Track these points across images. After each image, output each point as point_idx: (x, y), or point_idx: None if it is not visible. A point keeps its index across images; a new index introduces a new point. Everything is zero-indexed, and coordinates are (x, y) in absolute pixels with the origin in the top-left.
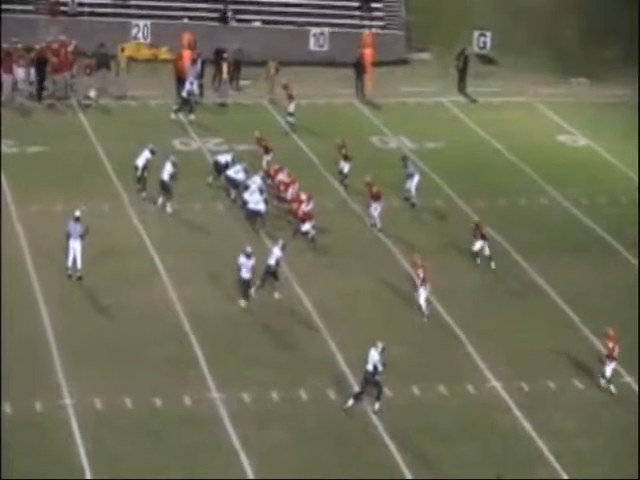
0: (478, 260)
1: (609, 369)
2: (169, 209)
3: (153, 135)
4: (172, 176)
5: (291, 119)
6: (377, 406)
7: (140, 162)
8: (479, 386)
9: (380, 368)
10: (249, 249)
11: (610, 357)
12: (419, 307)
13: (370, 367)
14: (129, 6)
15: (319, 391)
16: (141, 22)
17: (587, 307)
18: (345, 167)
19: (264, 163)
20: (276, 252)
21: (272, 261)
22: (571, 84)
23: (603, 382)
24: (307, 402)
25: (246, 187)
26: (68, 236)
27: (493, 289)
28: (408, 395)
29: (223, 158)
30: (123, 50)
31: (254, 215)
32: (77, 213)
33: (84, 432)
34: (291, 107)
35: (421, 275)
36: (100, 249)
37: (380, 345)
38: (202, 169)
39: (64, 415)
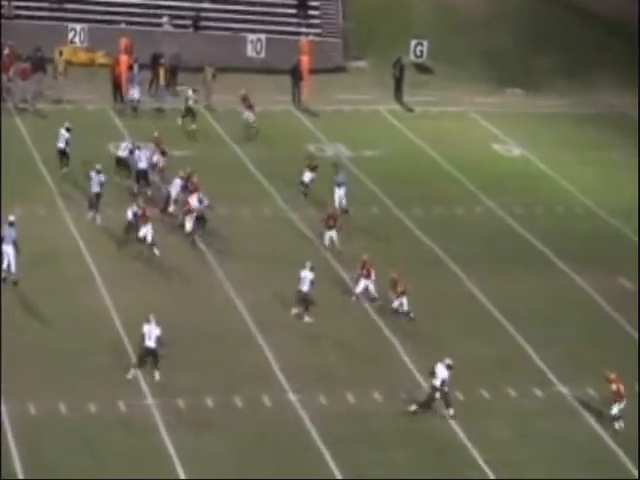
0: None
1: (616, 409)
2: (99, 221)
3: (90, 139)
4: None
5: (252, 129)
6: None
7: (61, 144)
8: (413, 393)
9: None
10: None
11: (617, 399)
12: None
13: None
14: (65, 10)
15: (254, 398)
16: (78, 26)
17: (522, 316)
18: (307, 177)
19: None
20: (307, 275)
21: (305, 287)
22: (506, 94)
23: (612, 422)
24: (242, 409)
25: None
26: (1, 241)
27: (429, 297)
28: (343, 402)
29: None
30: (61, 54)
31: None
32: (11, 218)
33: (18, 437)
34: (251, 117)
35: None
36: (35, 253)
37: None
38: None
39: None
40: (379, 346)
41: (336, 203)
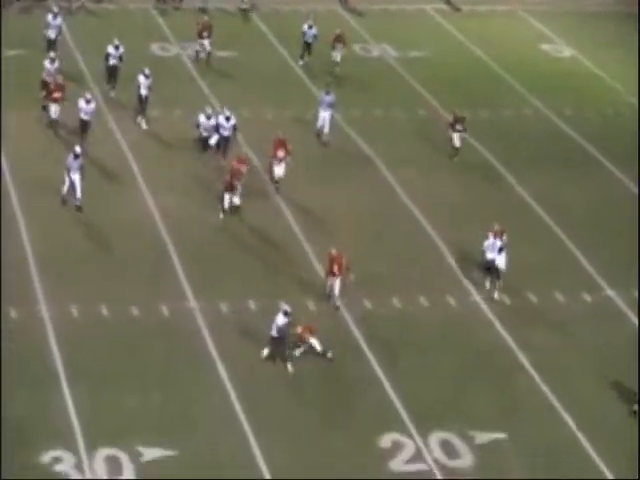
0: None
1: None
2: (144, 126)
3: (133, 40)
4: (149, 88)
5: (337, 68)
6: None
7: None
8: (461, 299)
9: None
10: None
11: None
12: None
13: None
14: None
15: (299, 302)
16: None
17: (571, 220)
18: (338, 56)
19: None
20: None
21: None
22: None
23: None
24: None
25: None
26: (68, 170)
27: (478, 202)
28: (389, 306)
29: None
30: None
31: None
32: (77, 149)
33: (60, 340)
34: (338, 56)
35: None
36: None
37: None
38: (181, 75)
39: (40, 324)
40: (426, 251)
41: (318, 125)
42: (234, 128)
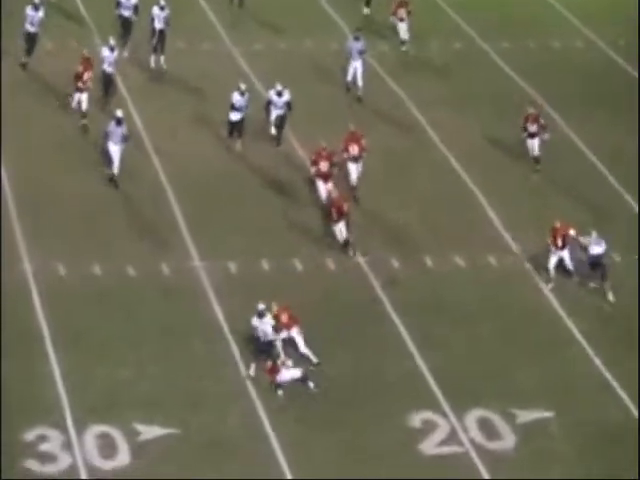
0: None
1: None
2: (162, 65)
3: None
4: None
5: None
6: None
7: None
8: (502, 258)
9: None
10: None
11: None
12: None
13: None
14: None
15: (316, 260)
16: None
17: (623, 166)
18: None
19: None
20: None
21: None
22: None
23: None
24: (302, 272)
25: None
26: (107, 137)
27: (519, 146)
28: (420, 266)
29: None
30: None
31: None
32: (119, 113)
33: (45, 302)
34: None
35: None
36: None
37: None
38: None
39: (22, 282)
40: (462, 203)
41: (349, 77)
42: (288, 105)
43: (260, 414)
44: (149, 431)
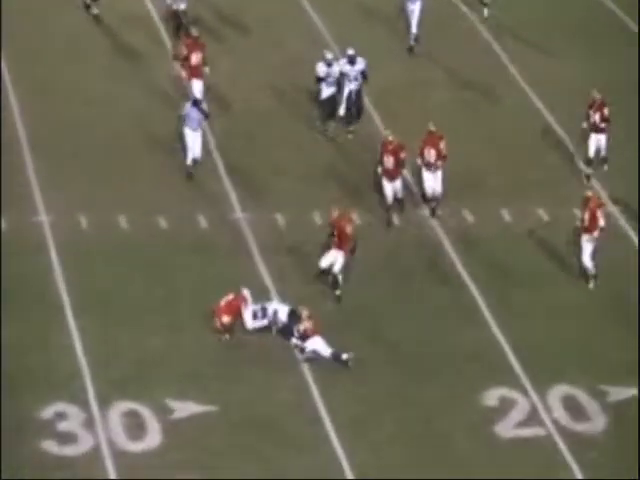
0: None
1: None
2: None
3: None
4: None
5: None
6: None
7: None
8: None
9: None
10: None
11: None
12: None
13: None
14: None
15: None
16: None
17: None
18: None
19: None
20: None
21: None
22: None
23: None
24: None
25: None
26: (183, 120)
27: (608, 83)
28: (497, 220)
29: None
30: None
31: None
32: (198, 94)
33: (64, 259)
34: None
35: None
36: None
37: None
38: None
39: (39, 237)
40: (546, 146)
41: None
42: (363, 75)
43: (311, 390)
44: (183, 408)
